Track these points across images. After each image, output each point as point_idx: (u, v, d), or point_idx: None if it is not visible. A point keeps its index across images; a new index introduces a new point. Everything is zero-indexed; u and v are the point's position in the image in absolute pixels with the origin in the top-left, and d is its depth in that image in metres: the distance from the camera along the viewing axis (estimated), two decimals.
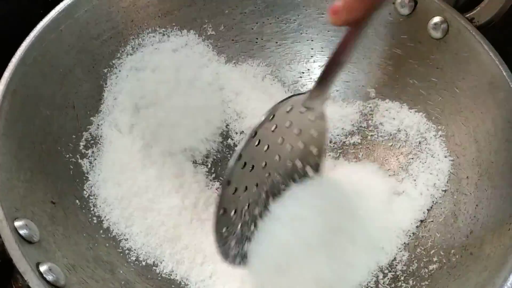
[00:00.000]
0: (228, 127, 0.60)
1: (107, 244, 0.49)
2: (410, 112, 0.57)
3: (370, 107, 0.59)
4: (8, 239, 0.39)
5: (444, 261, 0.48)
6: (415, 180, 0.54)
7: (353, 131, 0.59)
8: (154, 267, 0.50)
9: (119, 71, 0.57)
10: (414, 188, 0.53)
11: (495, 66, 0.50)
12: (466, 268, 0.45)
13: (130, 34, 0.58)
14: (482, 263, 0.44)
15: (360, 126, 0.59)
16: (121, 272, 0.48)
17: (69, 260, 0.44)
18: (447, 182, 0.52)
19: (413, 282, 0.48)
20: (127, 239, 0.51)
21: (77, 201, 0.50)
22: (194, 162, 0.57)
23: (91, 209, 0.51)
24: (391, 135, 0.57)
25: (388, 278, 0.49)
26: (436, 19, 0.53)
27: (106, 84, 0.57)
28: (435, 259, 0.48)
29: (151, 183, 0.54)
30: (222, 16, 0.61)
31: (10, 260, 0.38)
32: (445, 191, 0.52)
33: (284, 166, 0.49)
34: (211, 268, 0.50)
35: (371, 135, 0.58)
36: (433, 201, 0.52)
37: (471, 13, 0.52)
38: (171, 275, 0.50)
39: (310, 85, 0.62)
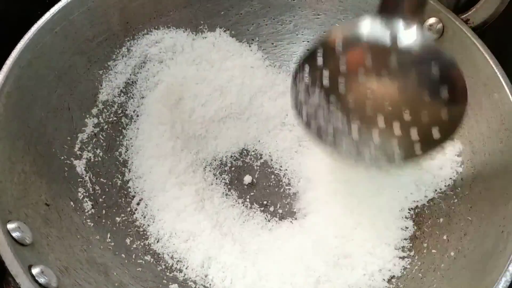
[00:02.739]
0: None
1: (101, 247, 0.49)
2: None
3: None
4: (0, 242, 0.39)
5: (438, 263, 0.48)
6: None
7: None
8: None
9: (115, 72, 0.58)
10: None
11: (490, 67, 0.49)
12: (459, 271, 0.45)
13: (126, 35, 0.58)
14: (475, 266, 0.44)
15: None
16: (115, 274, 0.48)
17: (62, 262, 0.44)
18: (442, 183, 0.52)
19: (406, 284, 0.48)
20: None
21: (72, 203, 0.50)
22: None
23: (86, 210, 0.51)
24: None
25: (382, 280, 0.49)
26: (432, 20, 0.53)
27: (101, 85, 0.57)
28: (429, 261, 0.48)
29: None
30: (217, 17, 0.61)
31: (2, 262, 0.38)
32: (440, 192, 0.52)
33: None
34: (217, 267, 0.51)
35: None
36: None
37: (466, 14, 0.52)
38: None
39: None
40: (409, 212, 0.52)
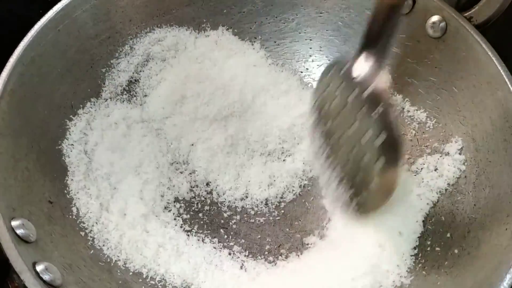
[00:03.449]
0: None
1: None
2: (409, 111, 0.57)
3: None
4: (5, 239, 0.39)
5: (442, 260, 0.47)
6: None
7: None
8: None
9: (118, 71, 0.58)
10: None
11: (493, 65, 0.49)
12: (463, 268, 0.45)
13: (128, 34, 0.58)
14: (479, 263, 0.44)
15: None
16: (119, 272, 0.48)
17: (66, 259, 0.44)
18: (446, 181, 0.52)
19: (410, 282, 0.48)
20: None
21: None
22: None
23: None
24: None
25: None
26: (435, 18, 0.53)
27: (104, 83, 0.57)
28: (432, 259, 0.48)
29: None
30: (220, 15, 0.62)
31: (6, 259, 0.38)
32: (444, 190, 0.52)
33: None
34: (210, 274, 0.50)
35: None
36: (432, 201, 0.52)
37: (469, 12, 0.52)
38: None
39: (308, 85, 0.62)
40: None
